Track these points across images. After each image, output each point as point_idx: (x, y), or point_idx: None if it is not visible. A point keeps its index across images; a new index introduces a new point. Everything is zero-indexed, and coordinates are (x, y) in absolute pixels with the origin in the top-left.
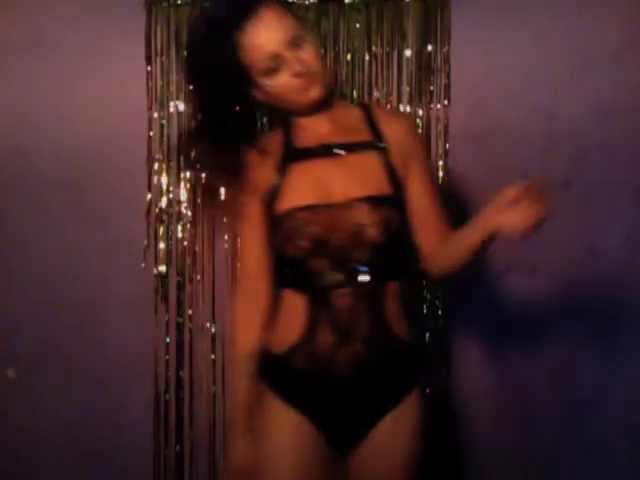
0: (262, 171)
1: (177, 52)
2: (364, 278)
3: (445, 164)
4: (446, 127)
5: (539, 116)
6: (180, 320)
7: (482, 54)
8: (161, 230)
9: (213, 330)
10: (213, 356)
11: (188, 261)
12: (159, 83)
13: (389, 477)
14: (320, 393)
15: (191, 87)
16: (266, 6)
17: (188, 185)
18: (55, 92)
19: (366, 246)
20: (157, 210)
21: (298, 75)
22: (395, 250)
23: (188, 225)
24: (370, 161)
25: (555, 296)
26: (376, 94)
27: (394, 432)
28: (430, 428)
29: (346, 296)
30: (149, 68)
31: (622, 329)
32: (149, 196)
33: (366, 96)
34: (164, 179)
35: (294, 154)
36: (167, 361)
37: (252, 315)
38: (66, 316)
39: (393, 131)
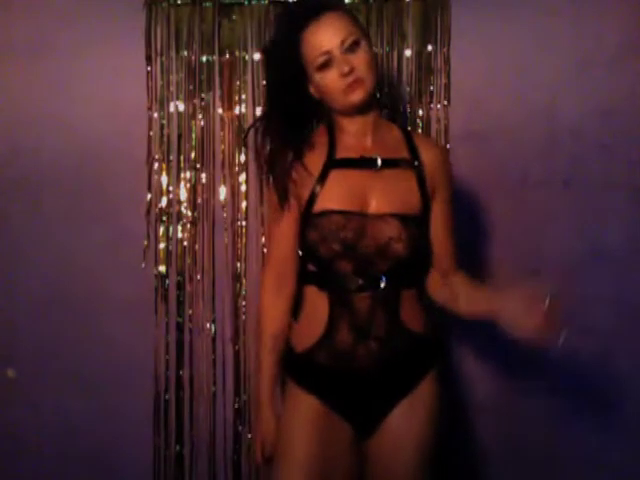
0: (305, 179)
1: (177, 52)
2: (382, 286)
3: None
4: (446, 127)
5: (539, 116)
6: (180, 320)
7: (482, 54)
8: (161, 230)
9: (213, 330)
10: (213, 356)
11: (188, 261)
12: (159, 83)
13: (405, 458)
14: (340, 385)
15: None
16: (332, 10)
17: (188, 185)
18: (55, 92)
19: (390, 258)
20: (157, 210)
21: (344, 75)
22: (415, 263)
23: (188, 225)
24: (405, 178)
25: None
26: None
27: (409, 415)
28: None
29: (365, 299)
30: (149, 68)
31: (622, 328)
32: (149, 196)
33: None
34: (164, 179)
35: (336, 163)
36: (167, 361)
37: (278, 302)
38: (66, 316)
39: (429, 156)
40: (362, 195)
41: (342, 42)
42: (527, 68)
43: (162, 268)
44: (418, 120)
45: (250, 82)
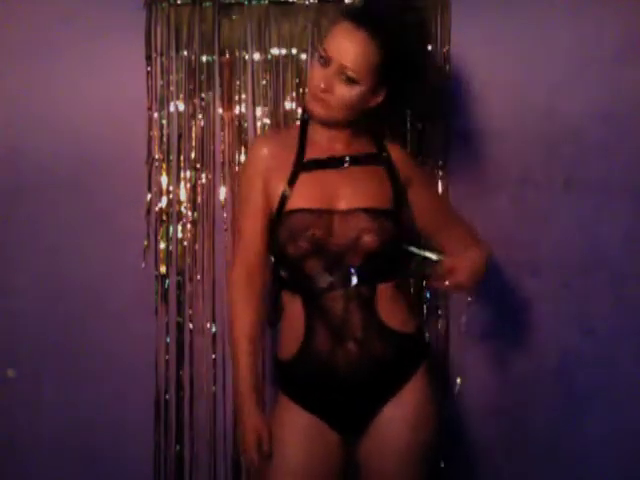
0: (275, 178)
1: (177, 52)
2: (354, 281)
3: (445, 164)
4: (446, 127)
5: (539, 116)
6: (180, 320)
7: (482, 54)
8: (161, 230)
9: (213, 330)
10: (213, 356)
11: (188, 261)
12: (159, 83)
13: (397, 460)
14: (324, 393)
15: None
16: (370, 32)
17: (188, 185)
18: (55, 92)
19: (361, 252)
20: (157, 210)
21: (318, 89)
22: (388, 256)
23: (188, 225)
24: (375, 174)
25: (555, 296)
26: None
27: (397, 417)
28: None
29: (338, 298)
30: (149, 68)
31: (622, 329)
32: (149, 196)
33: None
34: (164, 179)
35: (305, 165)
36: (167, 361)
37: (251, 299)
38: (66, 316)
39: (397, 154)
40: (332, 193)
41: (344, 67)
42: (527, 68)
43: (162, 268)
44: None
45: (250, 82)
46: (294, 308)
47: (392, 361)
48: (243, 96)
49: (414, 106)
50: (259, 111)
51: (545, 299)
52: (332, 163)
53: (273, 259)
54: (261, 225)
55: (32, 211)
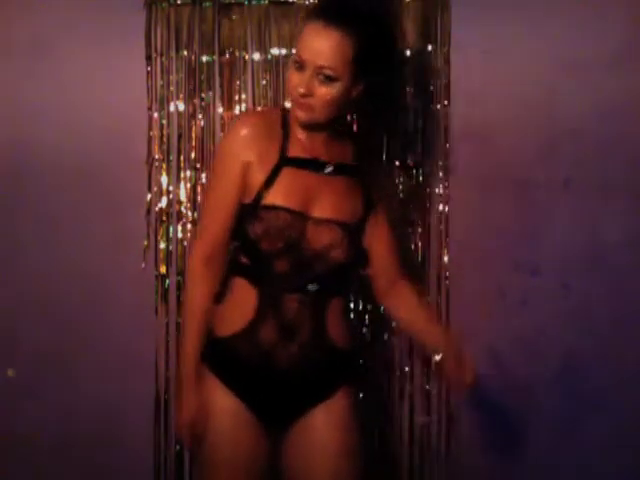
0: (255, 166)
1: (177, 52)
2: (312, 288)
3: (445, 164)
4: (446, 127)
5: (539, 116)
6: (180, 320)
7: (482, 54)
8: (161, 230)
9: None
10: None
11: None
12: (159, 83)
13: (324, 462)
14: (256, 381)
15: None
16: (342, 28)
17: (188, 185)
18: (55, 92)
19: (327, 263)
20: (157, 210)
21: (298, 94)
22: (348, 270)
23: (188, 225)
24: (351, 186)
25: (555, 296)
26: None
27: (326, 420)
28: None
29: (294, 302)
30: (149, 68)
31: (622, 329)
32: (149, 196)
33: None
34: (164, 179)
35: (289, 160)
36: (167, 361)
37: (210, 276)
38: (66, 316)
39: (376, 170)
40: (308, 197)
41: (320, 67)
42: (527, 68)
43: (162, 268)
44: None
45: (250, 82)
46: (247, 296)
47: (325, 371)
48: (243, 96)
49: (391, 95)
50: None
51: (545, 299)
52: (313, 166)
53: (236, 243)
54: (229, 214)
55: (32, 211)
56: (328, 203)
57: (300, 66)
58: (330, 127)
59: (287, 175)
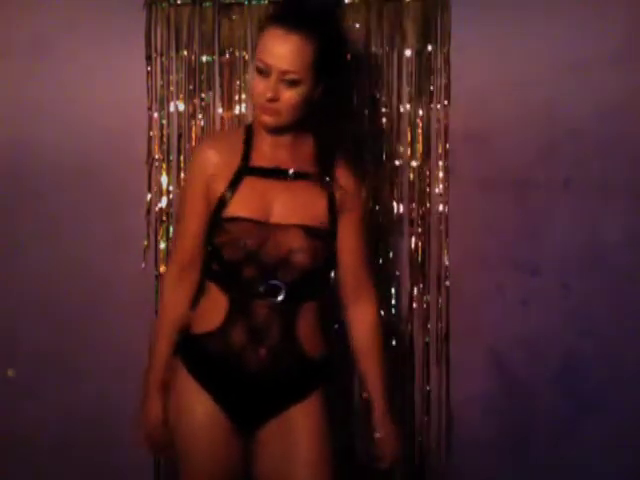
0: (217, 181)
1: (177, 52)
2: (280, 296)
3: (445, 164)
4: (446, 127)
5: (539, 116)
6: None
7: (482, 54)
8: (161, 230)
9: None
10: None
11: None
12: (159, 83)
13: (296, 463)
14: (228, 381)
15: None
16: (302, 33)
17: None
18: (54, 92)
19: (292, 268)
20: (157, 210)
21: (266, 99)
22: (317, 275)
23: None
24: (315, 191)
25: (555, 296)
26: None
27: (296, 423)
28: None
29: (263, 307)
30: (149, 68)
31: (622, 329)
32: (149, 196)
33: (365, 97)
34: (164, 179)
35: (250, 170)
36: None
37: (179, 291)
38: (66, 316)
39: (344, 180)
40: (269, 204)
41: (284, 72)
42: (527, 68)
43: (162, 268)
44: (418, 120)
45: (250, 82)
46: (218, 299)
47: (295, 376)
48: (243, 96)
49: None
50: None
51: (545, 299)
52: (275, 173)
53: (209, 249)
54: (199, 227)
55: (32, 211)
56: (289, 208)
57: (265, 72)
58: (294, 131)
59: (248, 184)
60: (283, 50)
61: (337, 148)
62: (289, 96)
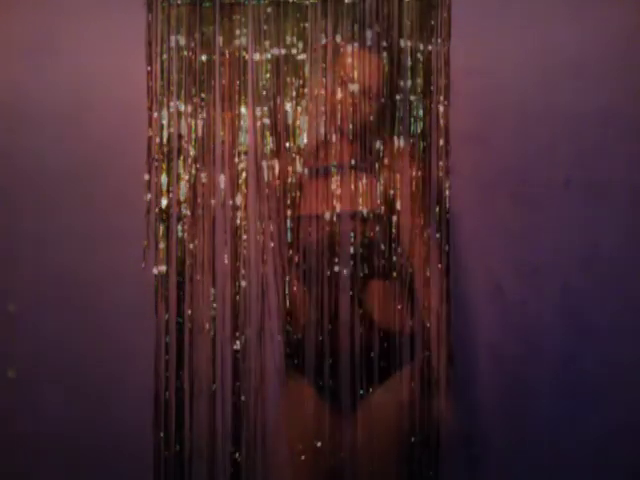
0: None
1: (177, 52)
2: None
3: (445, 164)
4: (446, 127)
5: (539, 116)
6: (180, 320)
7: (482, 54)
8: (161, 230)
9: (213, 330)
10: (213, 356)
11: (188, 261)
12: (159, 83)
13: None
14: (322, 369)
15: None
16: None
17: (188, 185)
18: (54, 92)
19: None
20: (157, 210)
21: None
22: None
23: (188, 225)
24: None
25: (555, 296)
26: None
27: (384, 399)
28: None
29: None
30: (149, 68)
31: (622, 329)
32: (149, 196)
33: None
34: (164, 179)
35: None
36: (167, 361)
37: None
38: (66, 316)
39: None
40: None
41: None
42: (527, 68)
43: (162, 268)
44: (418, 120)
45: (250, 82)
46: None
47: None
48: (243, 96)
49: None
50: (259, 111)
51: (545, 299)
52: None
53: None
54: None
55: (32, 211)
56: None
57: None
58: None
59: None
60: None
61: None
62: None
